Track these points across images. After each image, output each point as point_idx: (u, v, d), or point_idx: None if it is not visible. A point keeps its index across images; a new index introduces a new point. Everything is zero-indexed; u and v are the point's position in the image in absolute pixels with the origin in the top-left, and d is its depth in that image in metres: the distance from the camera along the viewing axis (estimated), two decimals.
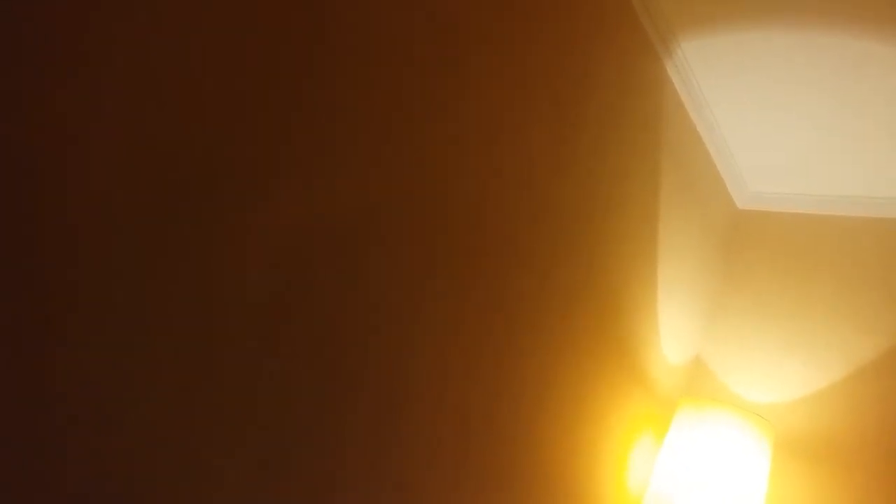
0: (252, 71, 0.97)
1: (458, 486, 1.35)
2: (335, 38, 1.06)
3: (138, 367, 0.88)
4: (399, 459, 1.22)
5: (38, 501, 0.81)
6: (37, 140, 0.79)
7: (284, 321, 1.03)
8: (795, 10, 1.57)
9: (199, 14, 0.91)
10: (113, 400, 0.86)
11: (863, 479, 1.74)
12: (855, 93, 1.74)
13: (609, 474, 1.75)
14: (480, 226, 1.35)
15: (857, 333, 1.92)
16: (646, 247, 1.85)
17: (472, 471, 1.37)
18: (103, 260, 0.84)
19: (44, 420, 0.80)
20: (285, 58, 1.00)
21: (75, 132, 0.82)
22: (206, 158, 0.93)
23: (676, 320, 2.00)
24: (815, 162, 2.04)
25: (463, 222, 1.31)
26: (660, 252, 1.90)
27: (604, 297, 1.71)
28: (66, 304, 0.82)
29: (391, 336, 1.19)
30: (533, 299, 1.48)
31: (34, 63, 0.78)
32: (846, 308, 1.97)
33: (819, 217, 2.14)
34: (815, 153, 2.01)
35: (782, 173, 2.14)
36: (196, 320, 0.94)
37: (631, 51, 1.71)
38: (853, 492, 1.74)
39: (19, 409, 0.78)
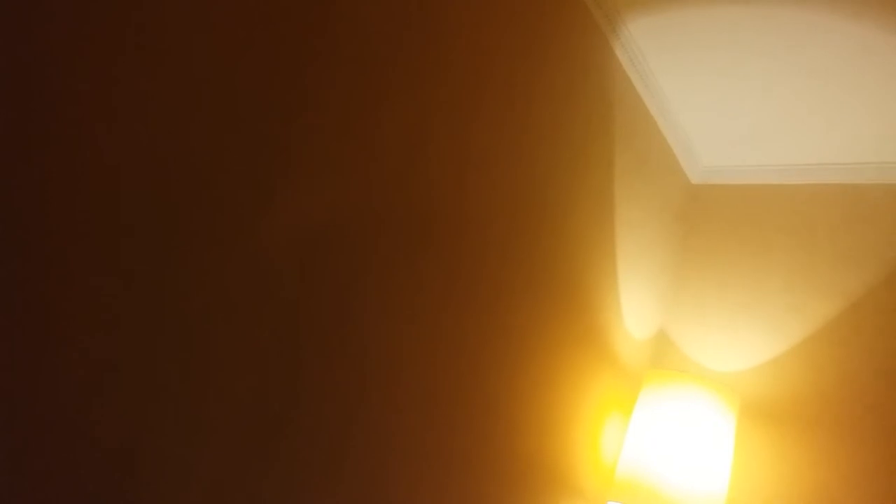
0: (247, 75, 0.97)
1: (433, 470, 1.36)
2: (329, 43, 1.06)
3: (137, 363, 0.88)
4: (372, 443, 1.23)
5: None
6: (50, 139, 0.79)
7: (272, 311, 1.04)
8: None
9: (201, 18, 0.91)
10: (112, 391, 0.85)
11: (825, 438, 1.80)
12: (801, 62, 1.78)
13: (583, 449, 1.78)
14: (443, 219, 1.36)
15: (814, 298, 1.98)
16: (604, 226, 1.88)
17: (446, 456, 1.39)
18: (111, 258, 0.84)
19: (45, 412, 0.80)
20: (280, 68, 1.00)
21: (86, 132, 0.82)
22: (204, 163, 0.93)
23: (638, 297, 2.03)
24: (765, 133, 2.09)
25: (425, 212, 1.32)
26: (617, 231, 1.93)
27: (565, 279, 1.73)
28: (71, 300, 0.81)
29: (363, 325, 1.20)
30: (494, 286, 1.50)
31: (45, 67, 0.78)
32: (802, 274, 2.02)
33: (771, 187, 2.19)
34: (765, 125, 2.06)
35: (734, 146, 2.19)
36: (192, 314, 0.93)
37: (576, 33, 1.73)
38: (817, 451, 1.79)
39: (24, 404, 0.78)
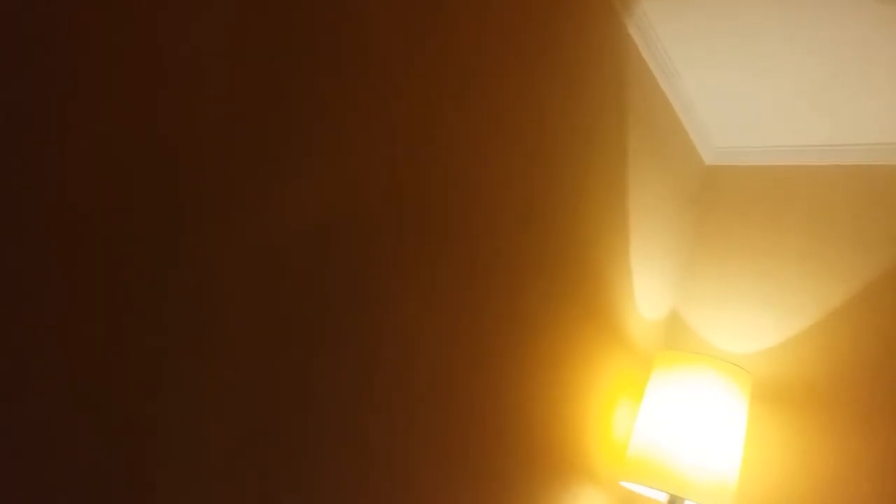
0: (259, 64, 0.97)
1: (446, 450, 1.37)
2: (328, 40, 1.06)
3: (147, 345, 0.89)
4: (386, 426, 1.24)
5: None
6: (59, 126, 0.80)
7: (274, 300, 1.04)
8: None
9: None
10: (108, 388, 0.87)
11: (838, 420, 1.79)
12: (817, 42, 1.76)
13: (594, 429, 1.79)
14: (454, 194, 1.36)
15: (828, 279, 1.96)
16: (617, 207, 1.87)
17: (460, 436, 1.40)
18: (122, 244, 0.85)
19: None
20: (281, 59, 1.00)
21: (95, 121, 0.83)
22: (200, 157, 0.93)
23: (651, 278, 2.03)
24: (781, 113, 2.07)
25: (440, 194, 1.32)
26: (631, 212, 1.92)
27: (578, 259, 1.73)
28: (81, 282, 0.82)
29: (370, 304, 1.20)
30: (508, 267, 1.50)
31: (40, 64, 0.78)
32: (816, 255, 2.01)
33: (786, 168, 2.17)
34: (780, 105, 2.03)
35: (748, 127, 2.17)
36: (201, 302, 0.94)
37: (590, 12, 1.71)
38: (830, 433, 1.79)
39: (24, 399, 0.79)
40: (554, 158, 1.62)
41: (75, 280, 0.84)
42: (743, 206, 2.19)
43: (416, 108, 1.27)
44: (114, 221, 0.88)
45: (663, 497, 1.77)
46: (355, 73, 1.15)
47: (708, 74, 2.00)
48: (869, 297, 1.88)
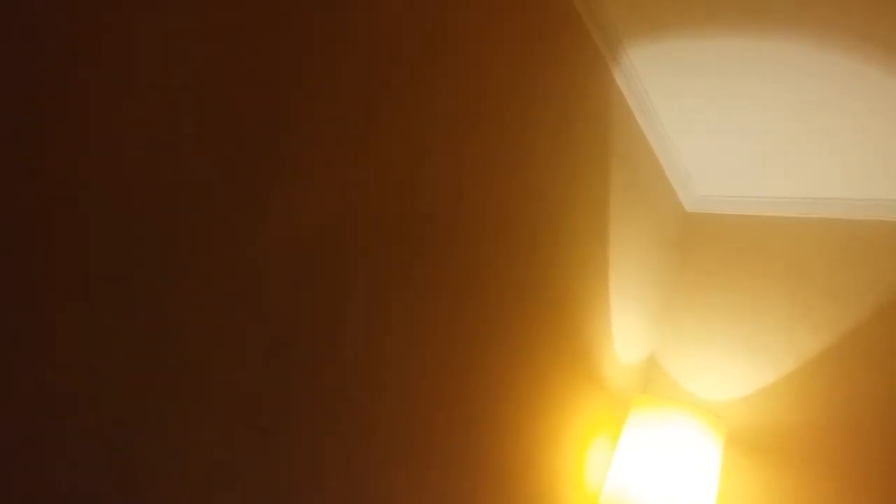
0: (244, 83, 0.98)
1: (415, 487, 1.35)
2: (323, 49, 1.08)
3: (132, 368, 0.88)
4: (361, 458, 1.23)
5: None
6: (42, 146, 0.79)
7: (258, 308, 1.04)
8: (739, 17, 1.63)
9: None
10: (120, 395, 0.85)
11: (812, 470, 1.80)
12: (798, 97, 1.81)
13: (567, 472, 1.78)
14: (437, 233, 1.36)
15: (804, 329, 1.99)
16: (597, 251, 1.89)
17: (433, 474, 1.38)
18: (105, 264, 0.84)
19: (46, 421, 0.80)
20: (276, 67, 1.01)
21: (78, 138, 0.82)
22: (198, 170, 0.94)
23: (629, 322, 2.04)
24: (762, 164, 2.11)
25: (420, 226, 1.32)
26: (611, 256, 1.94)
27: (558, 302, 1.73)
28: (68, 305, 0.81)
29: (355, 336, 1.20)
30: (488, 305, 1.50)
31: (41, 64, 0.78)
32: (793, 305, 2.03)
33: (765, 218, 2.21)
34: (762, 156, 2.08)
35: (730, 176, 2.21)
36: (184, 320, 0.94)
37: (578, 59, 1.75)
38: (803, 482, 1.79)
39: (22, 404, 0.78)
40: (535, 197, 1.63)
41: (76, 280, 0.84)
42: (722, 254, 2.22)
43: (404, 142, 1.28)
44: (112, 222, 0.87)
45: None
46: (345, 102, 1.17)
47: (691, 123, 2.04)
48: (844, 348, 1.90)
